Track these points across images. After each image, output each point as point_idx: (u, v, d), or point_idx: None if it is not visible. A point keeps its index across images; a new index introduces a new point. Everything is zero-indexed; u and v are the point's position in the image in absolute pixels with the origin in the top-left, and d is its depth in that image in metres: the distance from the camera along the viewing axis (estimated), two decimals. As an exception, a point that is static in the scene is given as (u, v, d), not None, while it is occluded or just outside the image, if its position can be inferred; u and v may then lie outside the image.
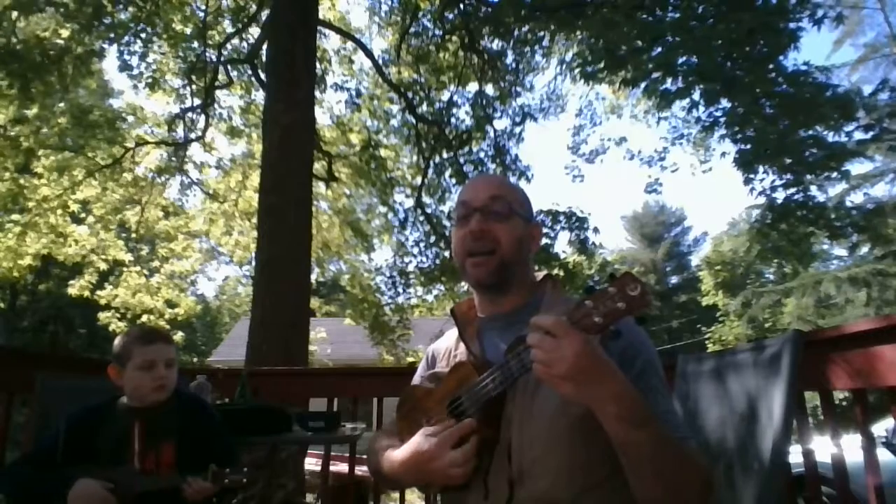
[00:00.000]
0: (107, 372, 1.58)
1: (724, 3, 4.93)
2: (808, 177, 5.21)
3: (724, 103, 5.06)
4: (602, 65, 5.28)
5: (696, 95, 5.04)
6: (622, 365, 0.81)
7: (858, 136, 5.24)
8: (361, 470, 3.29)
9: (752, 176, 5.23)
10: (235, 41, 8.81)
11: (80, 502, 1.34)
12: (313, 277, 8.05)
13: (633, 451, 0.77)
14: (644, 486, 0.80)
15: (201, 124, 9.05)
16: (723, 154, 5.90)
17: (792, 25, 4.70)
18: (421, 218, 9.11)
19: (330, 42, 9.42)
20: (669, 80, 5.04)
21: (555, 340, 0.74)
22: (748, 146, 5.07)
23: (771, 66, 4.81)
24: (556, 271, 7.85)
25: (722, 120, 5.13)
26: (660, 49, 4.97)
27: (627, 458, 0.79)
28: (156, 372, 1.53)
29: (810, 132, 4.93)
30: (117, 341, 1.60)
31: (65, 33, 7.07)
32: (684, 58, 4.92)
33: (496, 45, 8.43)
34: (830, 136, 4.99)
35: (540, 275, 1.15)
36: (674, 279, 31.16)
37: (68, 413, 1.52)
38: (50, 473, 1.43)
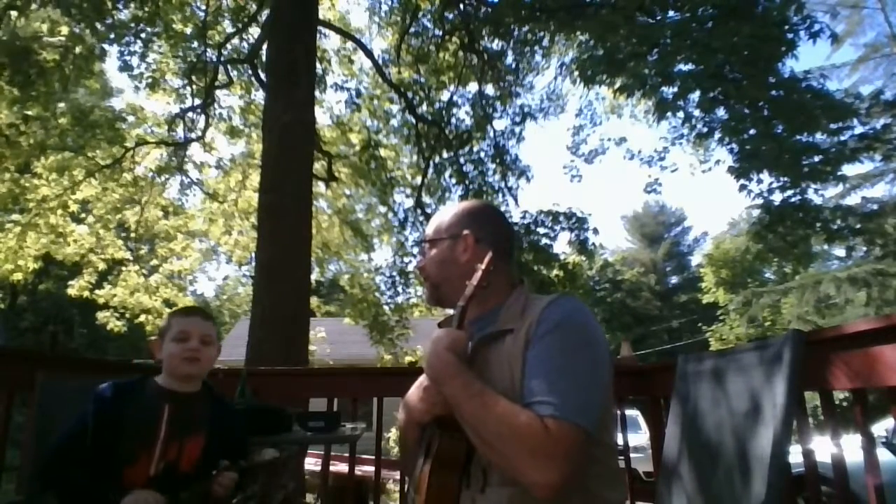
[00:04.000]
0: (149, 347, 1.60)
1: (723, 6, 4.93)
2: (805, 181, 5.22)
3: (721, 113, 5.07)
4: (601, 68, 5.29)
5: (692, 105, 5.05)
6: (539, 324, 0.97)
7: (852, 144, 5.23)
8: (361, 470, 3.29)
9: (745, 183, 5.24)
10: (235, 41, 8.83)
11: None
12: (313, 277, 8.04)
13: (450, 402, 0.96)
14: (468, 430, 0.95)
15: (201, 124, 9.08)
16: (717, 162, 5.96)
17: (789, 36, 4.73)
18: (421, 218, 9.10)
19: (330, 42, 9.44)
20: (666, 88, 5.04)
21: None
22: (742, 155, 5.08)
23: (767, 72, 4.82)
24: (555, 272, 7.86)
25: (717, 129, 5.15)
26: (657, 52, 4.96)
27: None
28: (189, 343, 1.53)
29: (806, 138, 4.93)
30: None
31: (64, 30, 7.07)
32: (682, 64, 4.93)
33: (496, 45, 8.42)
34: (826, 140, 4.99)
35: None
36: (674, 279, 31.20)
37: (96, 391, 1.48)
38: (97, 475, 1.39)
